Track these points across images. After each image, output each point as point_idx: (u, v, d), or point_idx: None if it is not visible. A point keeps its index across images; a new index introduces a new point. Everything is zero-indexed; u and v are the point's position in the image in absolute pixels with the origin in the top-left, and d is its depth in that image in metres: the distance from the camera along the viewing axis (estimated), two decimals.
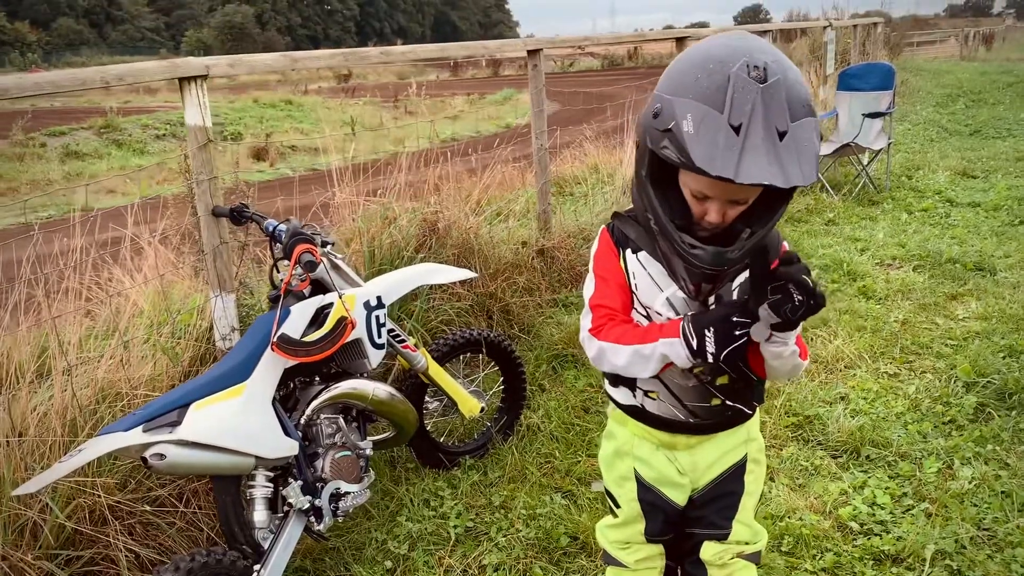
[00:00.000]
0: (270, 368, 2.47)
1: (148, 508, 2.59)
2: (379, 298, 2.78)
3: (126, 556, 2.47)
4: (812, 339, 4.28)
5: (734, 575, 1.76)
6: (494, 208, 5.09)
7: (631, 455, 1.78)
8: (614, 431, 1.83)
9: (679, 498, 1.76)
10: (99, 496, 2.49)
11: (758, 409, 1.76)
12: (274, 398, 2.47)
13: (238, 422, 2.32)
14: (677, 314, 1.58)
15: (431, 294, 3.90)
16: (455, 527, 2.93)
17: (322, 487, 2.55)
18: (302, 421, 2.58)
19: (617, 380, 1.71)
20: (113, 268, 3.57)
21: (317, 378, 2.71)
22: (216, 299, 3.12)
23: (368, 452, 2.72)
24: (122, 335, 2.88)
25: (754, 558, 1.78)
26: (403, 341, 2.97)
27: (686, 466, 1.74)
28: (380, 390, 2.73)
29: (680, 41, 6.74)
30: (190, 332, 3.13)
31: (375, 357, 2.75)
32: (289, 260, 2.53)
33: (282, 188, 4.17)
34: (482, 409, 3.19)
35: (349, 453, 2.65)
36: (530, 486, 3.15)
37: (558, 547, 2.82)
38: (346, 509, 2.60)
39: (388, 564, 2.76)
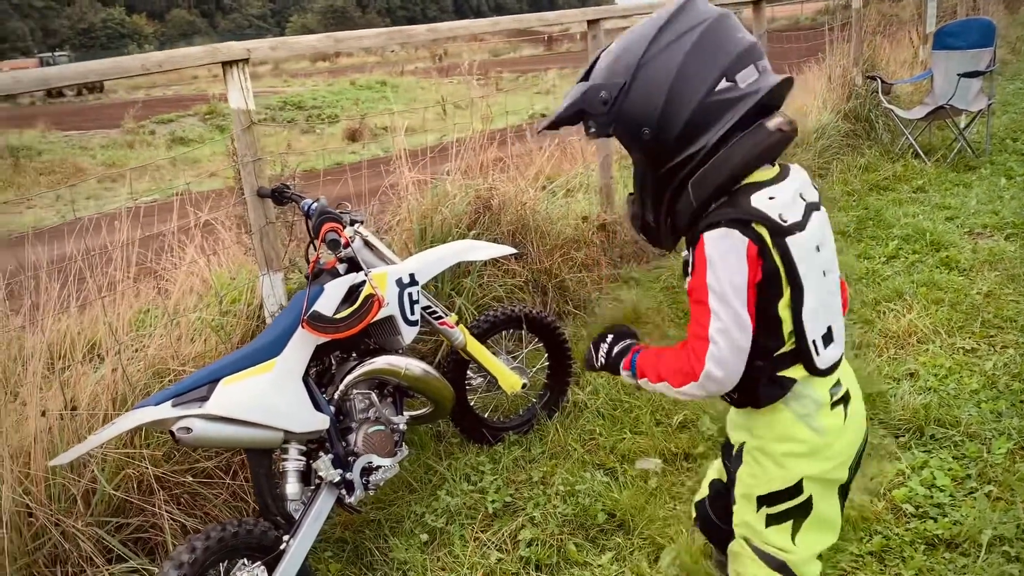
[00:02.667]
0: (301, 345, 2.52)
1: (192, 479, 2.70)
2: (412, 275, 2.80)
3: (171, 524, 2.59)
4: (884, 313, 4.08)
5: (740, 558, 1.77)
6: (558, 182, 5.05)
7: None
8: None
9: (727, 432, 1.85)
10: (146, 467, 2.61)
11: (774, 419, 1.65)
12: (306, 373, 2.53)
13: (266, 397, 2.38)
14: None
15: (483, 271, 3.90)
16: (493, 502, 2.94)
17: (354, 461, 2.60)
18: (336, 396, 2.63)
19: None
20: (187, 249, 3.73)
21: (353, 354, 2.76)
22: (264, 277, 3.21)
23: (402, 427, 2.76)
24: (171, 315, 3.00)
25: (770, 562, 1.71)
26: (440, 318, 2.98)
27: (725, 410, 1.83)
28: (413, 366, 2.76)
29: (756, 5, 6.47)
30: (241, 310, 3.24)
31: (408, 334, 2.78)
32: (318, 240, 2.58)
33: (369, 168, 4.24)
34: (524, 385, 3.18)
35: (382, 428, 2.69)
36: (572, 462, 3.13)
37: (595, 524, 2.80)
38: (377, 482, 2.64)
39: (424, 537, 2.80)
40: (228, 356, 2.48)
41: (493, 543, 2.75)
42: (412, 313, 2.79)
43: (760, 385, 1.61)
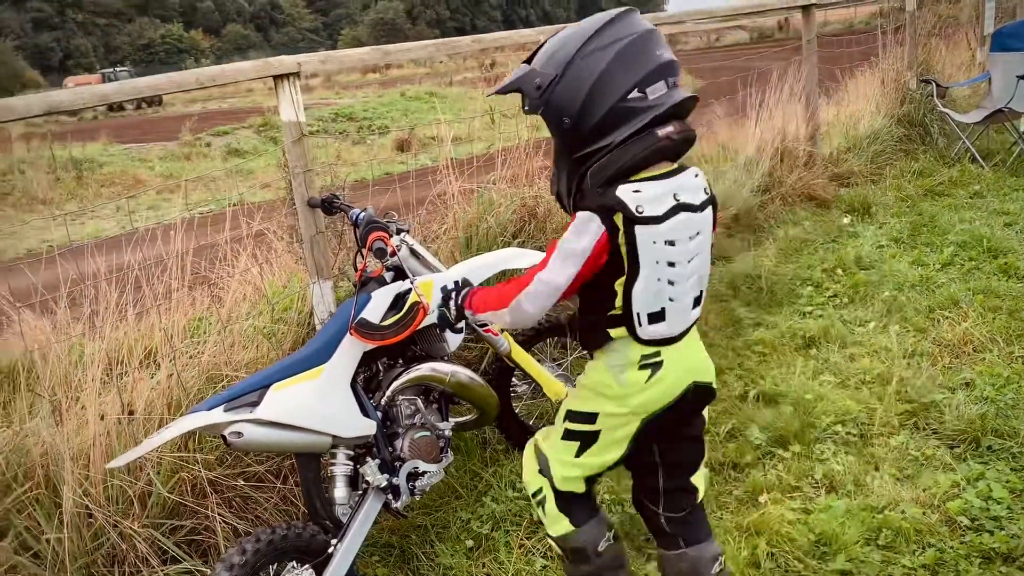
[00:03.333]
0: (349, 351, 2.57)
1: (244, 483, 2.77)
2: (456, 283, 2.82)
3: (223, 527, 2.65)
4: (938, 321, 3.99)
5: (526, 450, 2.29)
6: None
7: None
8: None
9: None
10: (199, 471, 2.68)
11: (595, 367, 2.04)
12: (353, 380, 2.57)
13: (315, 403, 2.43)
14: None
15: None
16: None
17: (400, 466, 2.64)
18: (383, 402, 2.67)
19: None
20: (240, 258, 3.83)
21: (400, 361, 2.80)
22: (314, 285, 3.27)
23: (447, 433, 2.78)
24: (224, 322, 3.07)
25: (540, 457, 2.21)
26: (485, 325, 3.00)
27: None
28: (458, 373, 2.78)
29: (806, 10, 6.40)
30: (292, 317, 3.31)
31: (454, 341, 2.81)
32: (365, 249, 2.63)
33: (417, 178, 4.30)
34: (568, 393, 3.18)
35: (428, 434, 2.72)
36: (618, 472, 3.11)
37: (641, 532, 2.79)
38: (423, 488, 2.67)
39: (470, 543, 2.82)
40: (278, 363, 2.54)
41: (538, 550, 2.76)
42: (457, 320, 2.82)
43: (592, 332, 2.00)
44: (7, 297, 3.63)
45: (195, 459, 2.69)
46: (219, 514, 2.66)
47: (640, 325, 1.92)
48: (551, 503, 2.17)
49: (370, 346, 2.60)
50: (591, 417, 2.06)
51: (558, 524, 2.17)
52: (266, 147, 19.63)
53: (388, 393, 2.68)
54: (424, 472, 2.67)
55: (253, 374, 2.52)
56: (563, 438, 2.12)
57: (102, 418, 2.64)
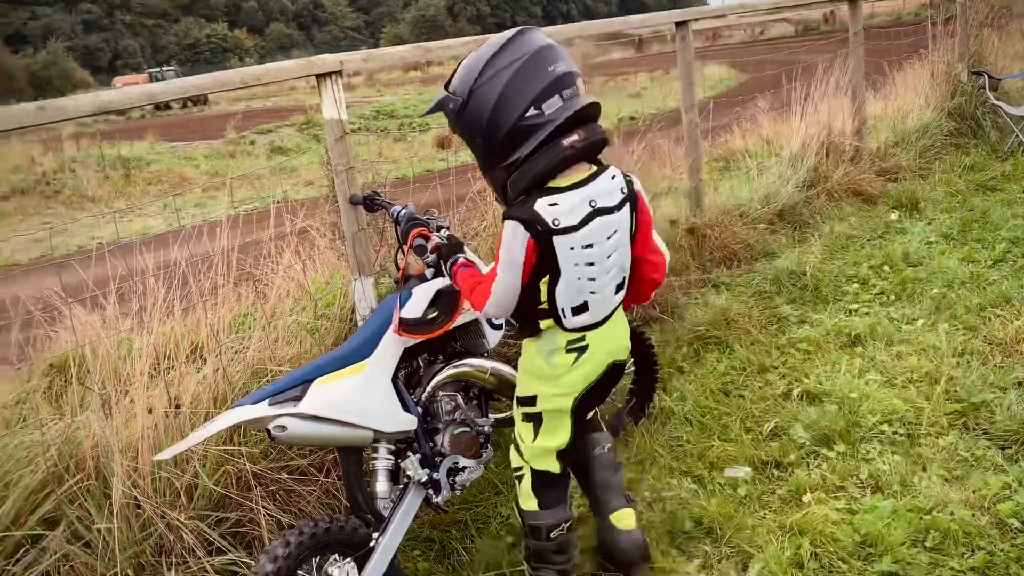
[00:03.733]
0: (391, 347, 2.58)
1: (287, 476, 2.80)
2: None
3: (267, 520, 2.69)
4: (989, 319, 3.89)
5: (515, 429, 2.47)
6: (646, 186, 5.01)
7: None
8: None
9: None
10: (244, 464, 2.72)
11: (527, 346, 2.33)
12: (395, 375, 2.59)
13: (357, 397, 2.45)
14: None
15: None
16: (578, 507, 2.94)
17: (440, 461, 2.65)
18: (423, 397, 2.69)
19: None
20: (284, 255, 3.88)
21: (440, 357, 2.81)
22: (356, 282, 3.30)
23: (487, 429, 2.79)
24: (269, 318, 3.12)
25: (515, 441, 2.45)
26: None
27: None
28: (498, 369, 2.79)
29: (853, 3, 6.29)
30: (334, 313, 3.34)
31: (493, 337, 2.82)
32: (406, 246, 2.65)
33: (457, 175, 4.32)
34: None
35: (468, 429, 2.73)
36: (658, 469, 3.11)
37: (681, 531, 2.77)
38: (463, 483, 2.68)
39: (510, 539, 2.83)
40: (321, 358, 2.56)
41: (578, 548, 2.75)
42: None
43: (524, 322, 2.28)
44: (59, 293, 3.72)
45: (240, 452, 2.73)
46: (263, 507, 2.70)
47: (565, 317, 2.20)
48: (527, 481, 2.42)
49: (412, 342, 2.62)
50: (532, 400, 2.34)
51: (528, 501, 2.42)
52: (309, 145, 19.85)
53: (428, 389, 2.70)
54: (464, 467, 2.68)
55: (296, 369, 2.55)
56: (522, 421, 2.40)
57: (150, 411, 2.69)
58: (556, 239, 2.08)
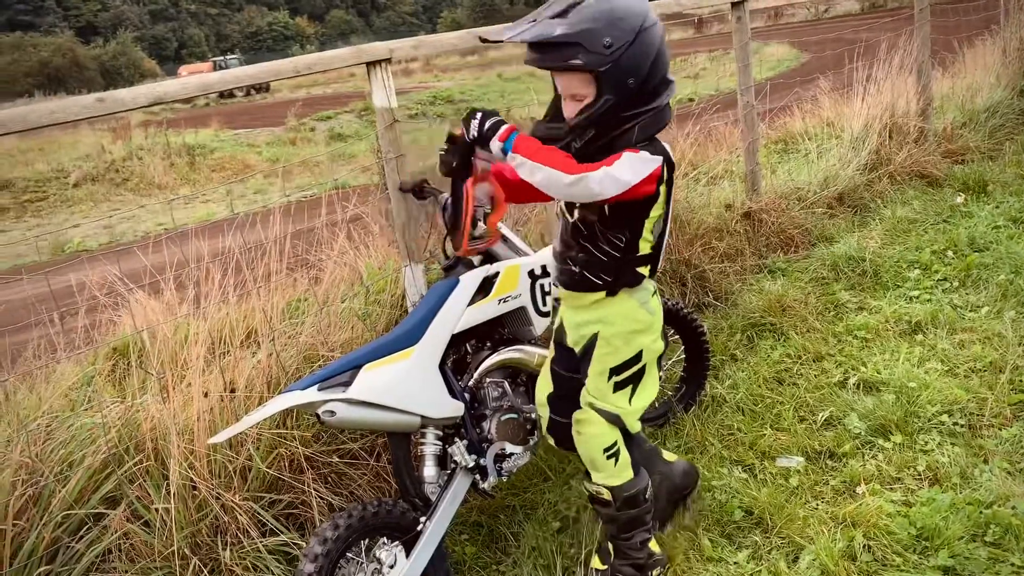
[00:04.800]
0: (438, 334, 2.60)
1: (338, 460, 2.85)
2: (544, 267, 2.82)
3: (318, 502, 2.74)
4: None
5: (584, 421, 2.43)
6: (701, 169, 4.95)
7: (560, 309, 2.55)
8: None
9: (566, 339, 2.49)
10: (296, 447, 2.78)
11: (626, 302, 2.34)
12: (442, 361, 2.61)
13: (405, 383, 2.48)
14: (556, 200, 2.34)
15: None
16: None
17: (487, 447, 2.66)
18: (470, 384, 2.70)
19: None
20: (337, 240, 3.95)
21: (487, 343, 2.82)
22: (406, 269, 3.33)
23: (534, 416, 2.80)
24: (322, 304, 3.17)
25: (609, 417, 2.39)
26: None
27: (568, 319, 2.47)
28: (543, 356, 2.79)
29: None
30: (385, 299, 3.38)
31: (540, 324, 2.81)
32: (453, 231, 2.66)
33: None
34: (659, 378, 3.14)
35: (515, 416, 2.74)
36: (708, 458, 3.07)
37: (731, 521, 2.74)
38: (510, 469, 2.69)
39: (556, 525, 2.84)
40: (370, 343, 2.59)
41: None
42: (544, 304, 2.82)
43: (624, 273, 2.29)
44: (123, 279, 3.84)
45: (292, 436, 2.79)
46: (315, 489, 2.75)
47: (658, 261, 2.36)
48: (624, 455, 2.45)
49: (459, 329, 2.63)
50: (637, 357, 2.37)
51: (625, 472, 2.45)
52: (367, 131, 20.02)
53: (476, 375, 2.71)
54: (511, 454, 2.69)
55: (346, 354, 2.59)
56: (613, 392, 2.38)
57: (206, 395, 2.76)
58: (674, 177, 2.28)
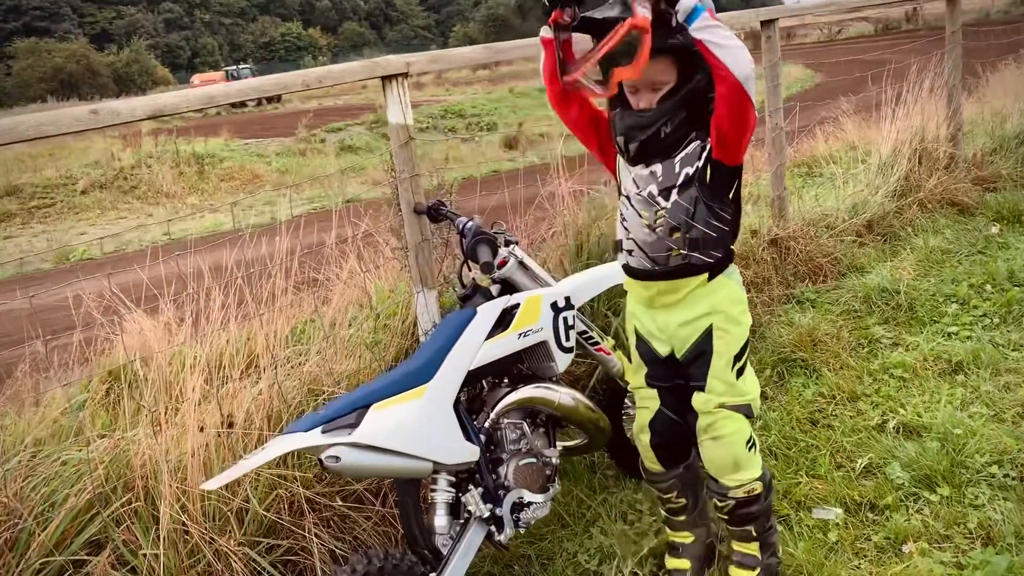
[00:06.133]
0: (453, 370, 2.40)
1: (342, 503, 2.65)
2: (567, 299, 2.63)
3: (320, 548, 2.54)
4: None
5: (717, 423, 2.26)
6: None
7: (632, 314, 2.40)
8: (628, 298, 2.43)
9: (662, 349, 2.33)
10: (297, 488, 2.58)
11: (728, 284, 2.25)
12: (457, 400, 2.41)
13: (416, 426, 2.28)
14: (638, 188, 2.21)
15: None
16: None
17: (504, 495, 2.46)
18: (486, 425, 2.50)
19: (615, 247, 2.34)
20: (347, 260, 3.75)
21: (505, 380, 2.62)
22: (419, 295, 3.13)
23: (555, 461, 2.59)
24: (327, 331, 2.97)
25: (742, 409, 2.27)
26: (596, 343, 2.80)
27: (662, 324, 2.29)
28: (566, 396, 2.59)
29: None
30: (396, 326, 3.18)
31: (562, 361, 2.61)
32: (471, 261, 2.48)
33: (525, 178, 4.14)
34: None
35: (534, 460, 2.54)
36: None
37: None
38: (528, 520, 2.48)
39: None
40: (379, 379, 2.40)
41: None
42: (567, 339, 2.62)
43: (728, 254, 2.24)
44: (118, 294, 3.66)
45: (293, 476, 2.59)
46: (316, 535, 2.55)
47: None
48: (756, 442, 2.33)
49: (475, 365, 2.43)
50: (748, 336, 2.29)
51: (759, 461, 2.34)
52: (378, 143, 19.95)
53: (492, 415, 2.51)
54: (530, 503, 2.48)
55: (353, 391, 2.39)
56: (737, 378, 2.26)
57: (201, 430, 2.56)
58: None
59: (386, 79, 2.95)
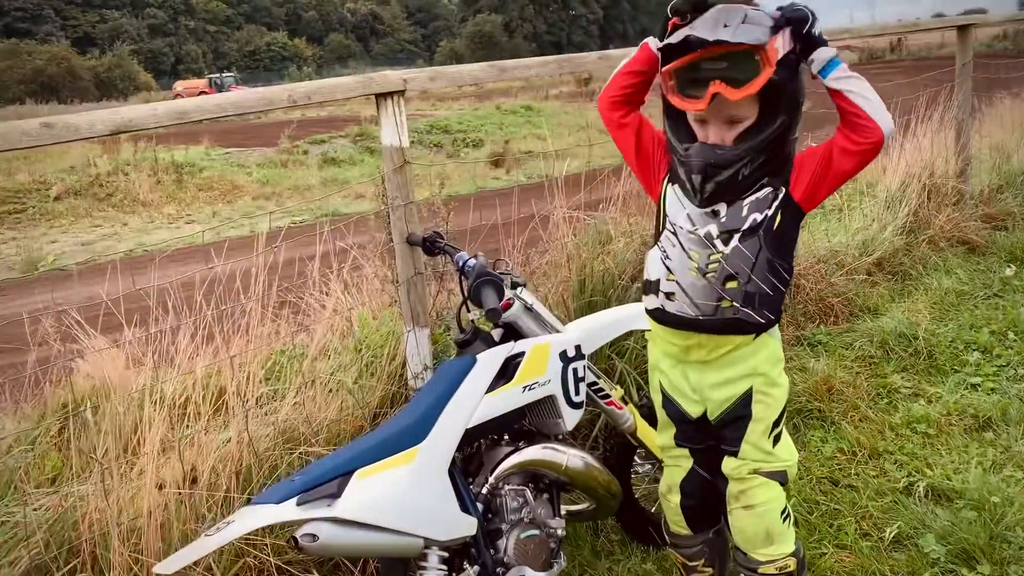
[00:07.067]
0: (449, 429, 2.12)
1: (317, 574, 2.34)
2: (578, 347, 2.35)
3: None
4: None
5: (751, 489, 2.05)
6: None
7: (658, 369, 2.15)
8: (651, 348, 2.19)
9: (692, 410, 2.09)
10: (267, 557, 2.27)
11: (770, 343, 2.01)
12: (452, 464, 2.12)
13: (407, 496, 1.99)
14: (693, 225, 1.94)
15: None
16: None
17: (503, 572, 2.17)
18: (484, 491, 2.21)
19: (647, 288, 2.06)
20: (323, 285, 3.46)
21: (506, 437, 2.34)
22: (409, 333, 2.85)
23: (560, 532, 2.30)
24: (305, 376, 2.67)
25: (777, 477, 2.05)
26: (607, 396, 2.52)
27: (696, 385, 2.06)
28: (575, 459, 2.31)
29: (963, 30, 5.71)
30: (382, 367, 2.89)
31: (571, 418, 2.33)
32: (473, 303, 2.20)
33: (522, 194, 3.87)
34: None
35: (537, 532, 2.25)
36: None
37: None
38: None
39: None
40: (364, 439, 2.10)
41: None
42: (577, 393, 2.34)
43: (779, 316, 1.99)
44: (79, 320, 3.35)
45: (263, 544, 2.28)
46: None
47: None
48: (792, 514, 2.14)
49: (474, 423, 2.15)
50: (786, 398, 2.08)
51: (793, 534, 2.13)
52: (362, 157, 19.64)
53: (491, 480, 2.23)
54: None
55: (333, 453, 2.10)
56: (775, 445, 2.06)
57: (160, 488, 2.26)
58: None
59: (381, 97, 2.68)
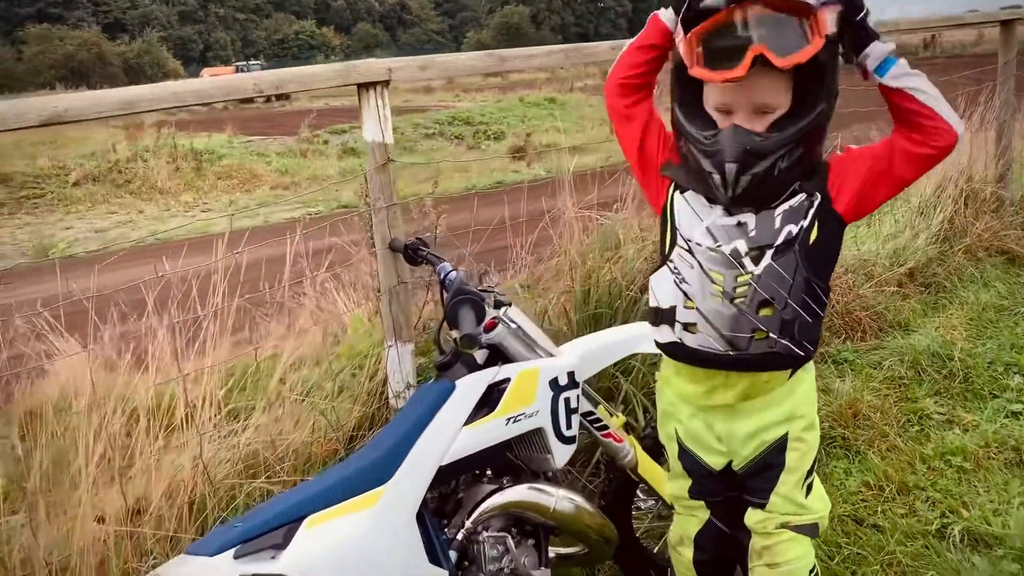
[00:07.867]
0: (419, 467, 1.86)
1: None
2: (571, 374, 2.08)
3: None
4: None
5: (778, 545, 1.80)
6: None
7: (671, 413, 1.89)
8: (662, 390, 1.93)
9: (715, 462, 1.84)
10: None
11: (805, 379, 1.78)
12: (421, 507, 1.87)
13: (365, 547, 1.74)
14: (715, 241, 1.65)
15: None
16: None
17: None
18: (459, 536, 1.96)
19: (658, 318, 1.76)
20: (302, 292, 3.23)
21: (489, 473, 2.08)
22: (390, 349, 2.60)
23: None
24: (271, 398, 2.43)
25: (808, 531, 1.82)
26: (605, 428, 2.25)
27: (723, 434, 1.80)
28: (563, 501, 2.04)
29: (1007, 25, 5.35)
30: (360, 385, 2.64)
31: (561, 454, 2.06)
32: (450, 325, 1.94)
33: (531, 191, 3.61)
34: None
35: None
36: None
37: None
38: None
39: None
40: (317, 479, 1.86)
41: None
42: (568, 427, 2.07)
43: (817, 346, 1.72)
44: (49, 319, 3.14)
45: None
46: None
47: None
48: (820, 572, 1.92)
49: (448, 460, 1.89)
50: (819, 442, 1.86)
51: None
52: None
53: (468, 524, 1.97)
54: None
55: (283, 493, 1.85)
56: (807, 496, 1.83)
57: (100, 521, 2.02)
58: None
59: (363, 87, 2.42)
